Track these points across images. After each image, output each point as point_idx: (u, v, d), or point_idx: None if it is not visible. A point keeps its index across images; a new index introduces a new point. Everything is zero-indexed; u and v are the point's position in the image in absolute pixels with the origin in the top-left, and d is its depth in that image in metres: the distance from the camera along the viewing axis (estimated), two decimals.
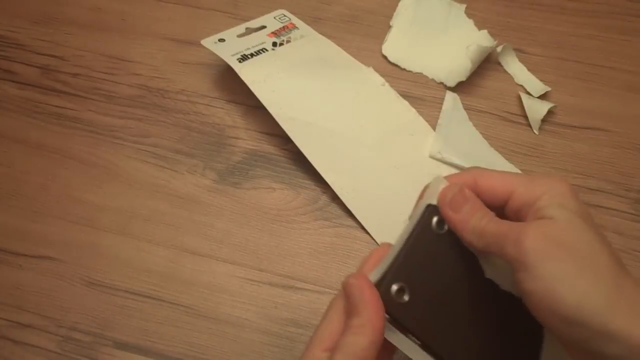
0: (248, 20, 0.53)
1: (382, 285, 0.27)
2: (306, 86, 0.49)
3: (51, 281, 0.43)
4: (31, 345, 0.41)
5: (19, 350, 0.41)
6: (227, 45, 0.50)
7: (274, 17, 0.53)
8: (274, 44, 0.51)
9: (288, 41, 0.52)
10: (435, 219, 0.29)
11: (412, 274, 0.28)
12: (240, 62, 0.48)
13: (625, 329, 0.24)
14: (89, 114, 0.51)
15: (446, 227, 0.29)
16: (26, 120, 0.50)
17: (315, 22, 0.55)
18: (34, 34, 0.55)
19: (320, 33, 0.53)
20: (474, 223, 0.28)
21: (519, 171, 0.47)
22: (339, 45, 0.53)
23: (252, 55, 0.49)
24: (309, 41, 0.52)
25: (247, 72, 0.48)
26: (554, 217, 0.26)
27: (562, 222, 0.26)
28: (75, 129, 0.50)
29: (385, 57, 0.53)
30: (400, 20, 0.55)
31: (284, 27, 0.53)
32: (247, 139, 0.49)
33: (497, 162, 0.47)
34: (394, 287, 0.27)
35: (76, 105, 0.51)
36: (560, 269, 0.25)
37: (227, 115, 0.50)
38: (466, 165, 0.46)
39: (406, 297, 0.27)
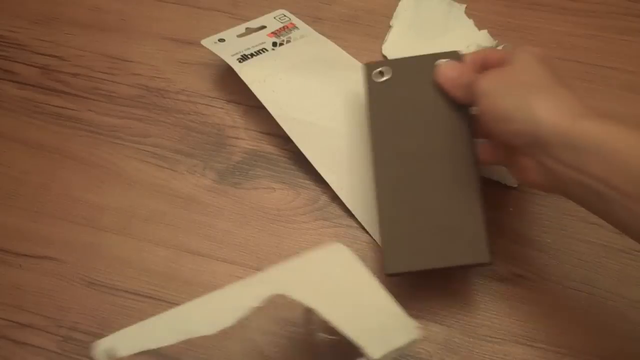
0: (248, 20, 0.53)
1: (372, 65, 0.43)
2: (306, 86, 0.49)
3: (51, 281, 0.43)
4: (31, 345, 0.41)
5: (19, 350, 0.41)
6: (227, 45, 0.50)
7: (274, 17, 0.53)
8: (274, 44, 0.51)
9: (288, 41, 0.52)
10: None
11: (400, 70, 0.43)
12: (240, 62, 0.48)
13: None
14: (89, 114, 0.51)
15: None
16: (26, 120, 0.50)
17: (315, 22, 0.55)
18: (34, 34, 0.55)
19: (320, 33, 0.53)
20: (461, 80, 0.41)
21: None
22: (339, 45, 0.53)
23: (252, 55, 0.49)
24: (309, 41, 0.52)
25: (247, 72, 0.48)
26: (512, 63, 0.38)
27: (516, 63, 0.37)
28: (75, 129, 0.50)
29: (385, 57, 0.53)
30: (400, 21, 0.55)
31: (284, 27, 0.53)
32: (247, 139, 0.49)
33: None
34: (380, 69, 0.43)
35: (76, 105, 0.51)
36: (502, 92, 0.36)
37: (227, 115, 0.50)
38: None
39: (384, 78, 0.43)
